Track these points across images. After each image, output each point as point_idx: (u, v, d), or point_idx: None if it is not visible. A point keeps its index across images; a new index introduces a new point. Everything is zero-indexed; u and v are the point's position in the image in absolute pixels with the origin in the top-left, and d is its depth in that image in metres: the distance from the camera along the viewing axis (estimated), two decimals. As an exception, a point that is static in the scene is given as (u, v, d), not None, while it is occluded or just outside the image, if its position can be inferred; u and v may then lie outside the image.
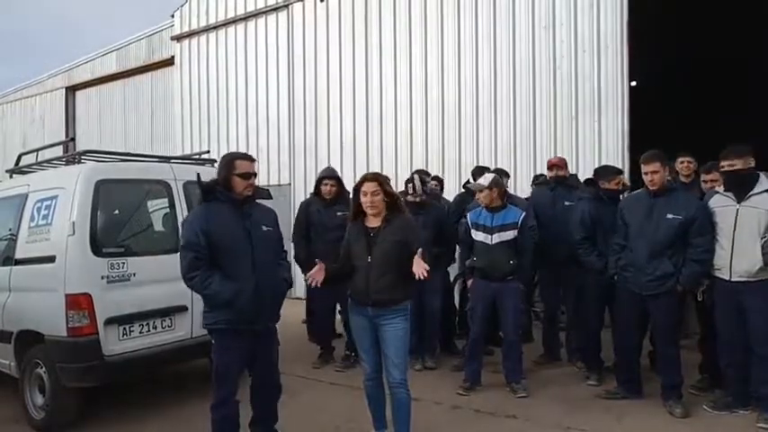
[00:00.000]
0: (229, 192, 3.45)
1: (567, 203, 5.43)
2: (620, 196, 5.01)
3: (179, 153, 10.04)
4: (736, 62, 12.28)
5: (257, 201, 3.69)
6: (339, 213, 5.34)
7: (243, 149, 10.91)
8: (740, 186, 4.08)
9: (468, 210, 5.50)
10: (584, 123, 7.73)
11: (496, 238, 4.76)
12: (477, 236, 4.85)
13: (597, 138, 7.63)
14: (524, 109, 8.15)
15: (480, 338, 4.91)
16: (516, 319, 4.85)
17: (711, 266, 4.19)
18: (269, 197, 3.91)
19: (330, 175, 5.79)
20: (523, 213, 4.81)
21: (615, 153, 7.44)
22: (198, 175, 3.89)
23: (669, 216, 4.25)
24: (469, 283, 4.99)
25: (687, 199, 4.39)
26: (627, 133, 7.43)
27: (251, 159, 3.57)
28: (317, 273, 3.56)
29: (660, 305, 4.33)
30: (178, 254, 4.50)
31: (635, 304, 4.46)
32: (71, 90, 15.19)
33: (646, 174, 4.33)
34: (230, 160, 3.52)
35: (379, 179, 3.61)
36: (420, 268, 3.28)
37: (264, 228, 3.57)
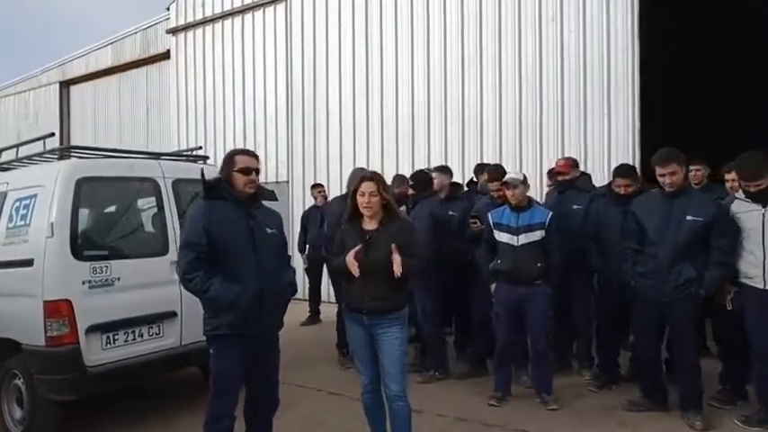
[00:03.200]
0: (233, 189, 3.27)
1: (574, 207, 5.16)
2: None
3: (175, 149, 9.81)
4: (755, 49, 11.91)
5: (262, 202, 3.50)
6: None
7: (240, 145, 10.67)
8: (764, 197, 3.87)
9: (478, 209, 5.24)
10: (593, 119, 7.45)
11: (523, 239, 4.48)
12: (501, 237, 4.57)
13: (607, 134, 7.36)
14: (530, 104, 7.88)
15: (507, 346, 4.65)
16: (545, 325, 4.59)
17: (738, 273, 3.94)
18: (274, 198, 3.68)
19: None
20: (550, 213, 4.55)
21: (625, 150, 7.17)
22: (201, 170, 3.69)
23: (689, 218, 3.99)
24: (493, 287, 4.70)
25: (705, 199, 4.17)
26: (638, 129, 7.15)
27: (252, 155, 3.39)
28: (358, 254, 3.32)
29: (680, 312, 4.07)
30: (166, 257, 4.41)
31: (654, 313, 4.20)
32: (65, 85, 15.02)
33: (662, 176, 4.05)
34: (230, 156, 3.36)
35: (378, 179, 3.44)
36: (396, 265, 3.22)
37: (269, 230, 3.38)
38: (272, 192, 3.67)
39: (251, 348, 3.29)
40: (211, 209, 3.24)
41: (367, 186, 3.37)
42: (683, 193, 4.08)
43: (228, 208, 3.26)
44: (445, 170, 5.87)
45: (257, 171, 3.35)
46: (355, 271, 3.26)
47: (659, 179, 4.10)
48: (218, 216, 3.21)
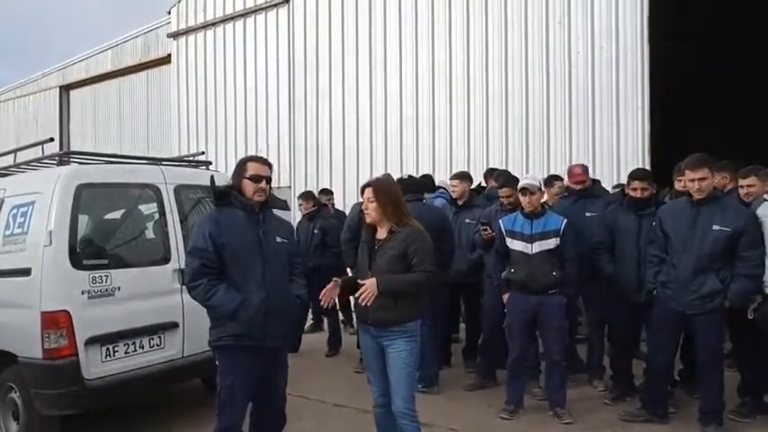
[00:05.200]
0: (242, 197, 3.21)
1: (588, 215, 5.02)
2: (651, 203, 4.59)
3: (176, 154, 9.70)
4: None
5: (272, 210, 3.45)
6: None
7: (241, 150, 10.60)
8: None
9: (485, 214, 5.11)
10: (602, 123, 7.35)
11: (537, 247, 4.34)
12: (515, 245, 4.43)
13: (615, 139, 7.25)
14: (537, 108, 7.77)
15: (520, 357, 4.51)
16: (560, 336, 4.44)
17: (763, 283, 3.79)
18: (286, 208, 3.62)
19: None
20: (565, 220, 4.41)
21: (635, 155, 7.07)
22: (212, 177, 3.61)
23: (716, 228, 3.85)
24: (505, 297, 4.57)
25: (735, 208, 4.00)
26: (648, 134, 7.04)
27: (264, 162, 3.34)
28: (331, 290, 3.35)
29: (705, 324, 3.93)
30: (168, 265, 4.27)
31: (674, 323, 4.07)
32: (65, 89, 14.93)
33: (692, 181, 3.90)
34: (242, 162, 3.31)
35: (377, 186, 3.39)
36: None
37: (278, 239, 3.32)
38: (285, 201, 3.62)
39: (258, 361, 3.19)
40: (220, 216, 3.19)
41: (366, 193, 3.37)
42: (712, 201, 3.93)
43: (238, 216, 3.20)
44: (466, 177, 5.74)
45: (268, 179, 3.28)
46: (324, 302, 3.36)
47: (688, 185, 3.96)
48: (227, 224, 3.15)
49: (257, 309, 3.10)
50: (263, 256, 3.19)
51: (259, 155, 3.57)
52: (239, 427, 3.23)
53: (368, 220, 3.36)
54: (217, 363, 3.22)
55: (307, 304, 3.58)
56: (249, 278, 3.14)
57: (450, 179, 5.84)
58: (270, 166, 3.35)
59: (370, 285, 3.16)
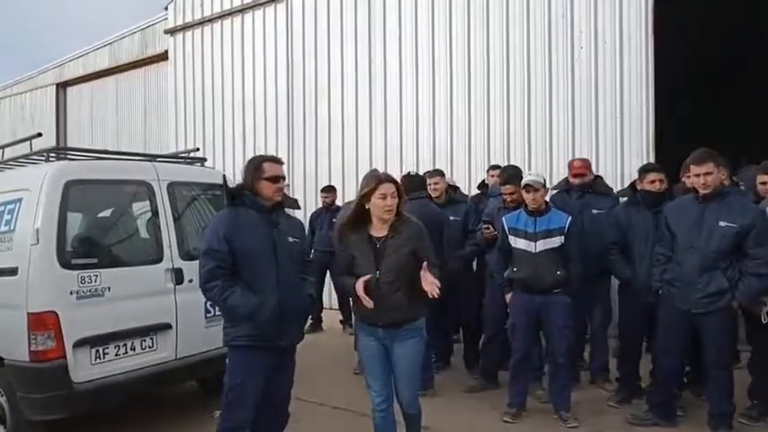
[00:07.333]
0: (256, 197, 3.18)
1: (595, 212, 4.89)
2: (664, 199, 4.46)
3: (173, 150, 9.55)
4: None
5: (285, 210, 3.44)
6: None
7: (239, 148, 10.48)
8: None
9: (487, 213, 4.99)
10: (605, 122, 7.19)
11: (541, 245, 4.22)
12: (518, 243, 4.32)
13: (619, 137, 7.09)
14: (540, 106, 7.61)
15: (524, 358, 4.41)
16: (565, 337, 4.31)
17: None
18: (297, 207, 3.55)
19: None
20: (569, 217, 4.30)
21: (639, 154, 6.90)
22: (224, 176, 3.59)
23: (722, 224, 3.74)
24: (508, 297, 4.46)
25: (742, 204, 3.88)
26: (652, 133, 6.89)
27: (279, 162, 3.33)
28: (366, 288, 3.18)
29: (712, 323, 3.81)
30: (160, 265, 4.16)
31: (681, 323, 3.95)
32: (62, 86, 14.77)
33: (698, 176, 3.79)
34: (258, 163, 3.24)
35: (395, 181, 3.31)
36: (430, 285, 3.00)
37: (291, 239, 3.30)
38: (296, 200, 3.57)
39: (269, 361, 3.18)
40: (234, 217, 3.15)
41: (388, 188, 3.20)
42: (718, 197, 3.82)
43: (251, 216, 3.15)
44: (442, 173, 5.57)
45: (284, 178, 3.26)
46: (369, 304, 3.11)
47: (694, 180, 3.85)
48: (241, 225, 3.11)
49: (272, 311, 3.07)
50: (278, 258, 3.15)
51: (270, 154, 3.54)
52: (246, 428, 3.16)
53: (388, 216, 3.21)
54: (227, 361, 3.18)
55: (315, 302, 3.51)
56: (264, 280, 3.10)
57: (430, 177, 5.46)
58: (282, 164, 3.32)
59: (429, 274, 3.03)
